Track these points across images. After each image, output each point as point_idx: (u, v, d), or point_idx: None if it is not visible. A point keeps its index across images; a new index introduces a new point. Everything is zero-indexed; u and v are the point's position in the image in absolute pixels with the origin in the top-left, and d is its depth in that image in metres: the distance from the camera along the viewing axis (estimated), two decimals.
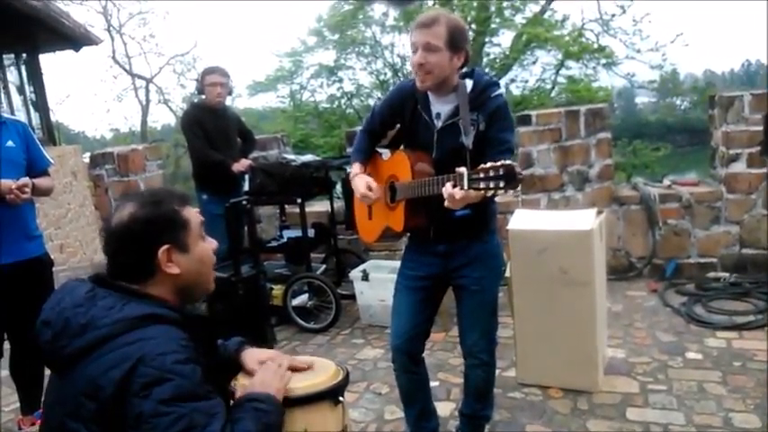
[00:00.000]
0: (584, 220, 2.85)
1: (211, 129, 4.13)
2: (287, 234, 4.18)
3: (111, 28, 19.33)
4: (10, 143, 2.59)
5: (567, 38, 14.23)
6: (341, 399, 1.56)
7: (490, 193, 1.65)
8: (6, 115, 2.75)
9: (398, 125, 2.18)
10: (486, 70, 13.77)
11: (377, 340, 3.61)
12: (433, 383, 2.88)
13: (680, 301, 3.81)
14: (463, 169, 1.69)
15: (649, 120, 23.80)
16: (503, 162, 1.62)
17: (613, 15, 14.59)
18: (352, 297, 4.01)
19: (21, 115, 6.26)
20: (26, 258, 2.59)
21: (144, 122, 19.69)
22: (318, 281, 3.92)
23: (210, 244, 1.45)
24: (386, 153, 2.23)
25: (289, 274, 4.11)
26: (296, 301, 3.92)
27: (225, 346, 1.63)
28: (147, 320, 1.26)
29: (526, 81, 15.47)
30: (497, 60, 15.14)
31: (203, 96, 4.20)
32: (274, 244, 4.15)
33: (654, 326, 3.52)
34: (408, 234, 2.29)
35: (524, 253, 2.86)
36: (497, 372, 2.89)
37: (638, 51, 14.60)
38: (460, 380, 2.43)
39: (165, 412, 1.15)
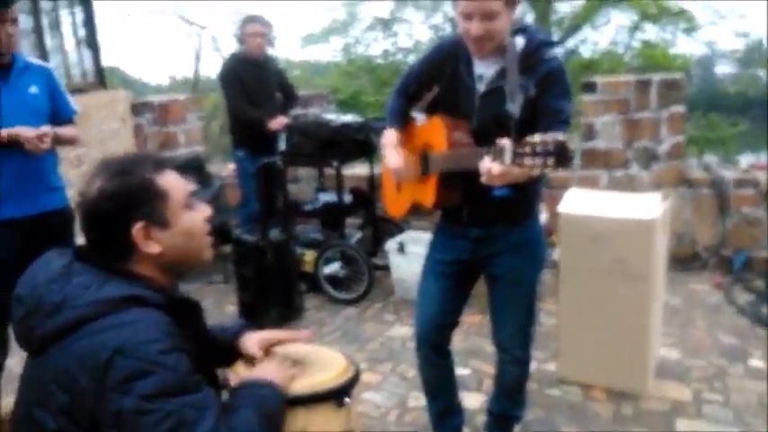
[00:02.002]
0: (647, 206, 2.54)
1: (251, 82, 3.96)
2: (323, 198, 3.98)
3: None
4: (33, 89, 2.46)
5: None
6: (347, 400, 1.40)
7: (536, 171, 1.40)
8: (32, 59, 2.62)
9: (437, 87, 1.91)
10: (554, 30, 13.06)
11: (409, 317, 3.40)
12: (463, 371, 2.70)
13: (747, 299, 3.48)
14: (506, 141, 1.44)
15: (728, 92, 22.12)
16: (554, 137, 1.36)
17: None
18: (388, 268, 3.81)
19: (72, 56, 6.23)
20: (45, 211, 2.48)
21: (196, 71, 19.68)
22: (352, 250, 3.73)
23: (202, 212, 1.25)
24: (420, 118, 1.99)
25: (323, 239, 3.94)
26: (328, 269, 3.76)
27: (224, 330, 1.48)
28: (126, 303, 1.11)
29: (597, 43, 14.56)
30: (566, 20, 14.26)
31: (243, 47, 4.02)
32: (309, 207, 3.97)
33: (715, 325, 3.20)
34: (440, 212, 2.04)
35: (576, 239, 2.60)
36: (535, 364, 2.68)
37: (723, 17, 13.47)
38: (494, 370, 2.21)
39: (149, 409, 1.02)
